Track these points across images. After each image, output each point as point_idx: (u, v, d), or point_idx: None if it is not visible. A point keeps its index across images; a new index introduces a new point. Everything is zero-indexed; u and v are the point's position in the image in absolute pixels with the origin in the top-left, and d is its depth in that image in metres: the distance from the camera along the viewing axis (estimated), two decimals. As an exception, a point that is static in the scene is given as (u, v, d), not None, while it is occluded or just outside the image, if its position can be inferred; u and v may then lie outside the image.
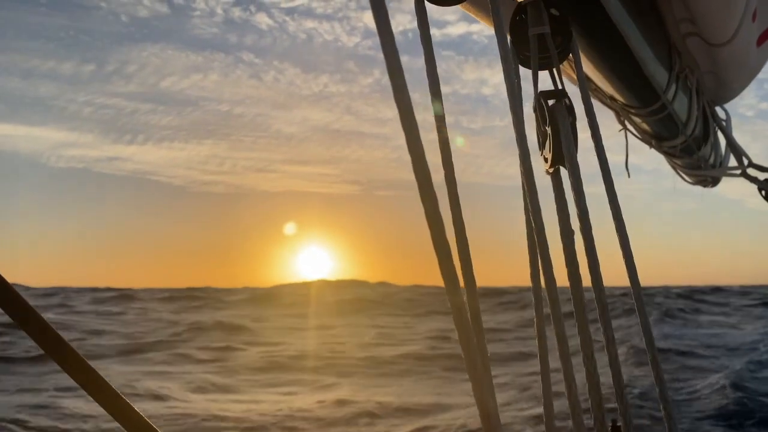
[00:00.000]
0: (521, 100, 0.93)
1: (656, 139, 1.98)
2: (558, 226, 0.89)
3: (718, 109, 2.25)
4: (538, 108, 0.94)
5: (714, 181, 2.36)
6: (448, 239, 0.54)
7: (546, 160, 0.93)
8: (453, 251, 0.57)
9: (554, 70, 0.98)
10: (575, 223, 0.88)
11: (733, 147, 2.18)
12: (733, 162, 2.24)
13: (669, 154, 2.12)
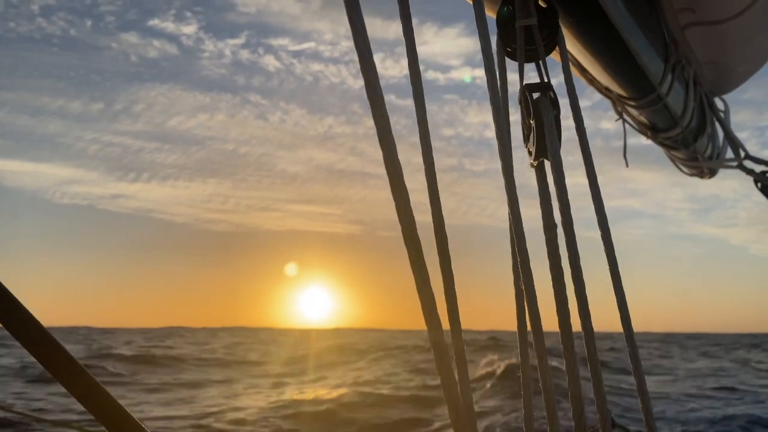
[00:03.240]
0: (506, 91, 0.93)
1: (652, 130, 1.97)
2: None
3: (717, 100, 2.23)
4: (523, 101, 0.94)
5: (711, 173, 2.35)
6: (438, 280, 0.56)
7: (530, 153, 0.93)
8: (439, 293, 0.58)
9: (540, 63, 0.98)
10: (558, 217, 0.88)
11: (731, 139, 2.17)
12: (730, 154, 2.23)
13: (666, 146, 2.11)
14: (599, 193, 0.87)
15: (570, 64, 1.32)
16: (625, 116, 2.05)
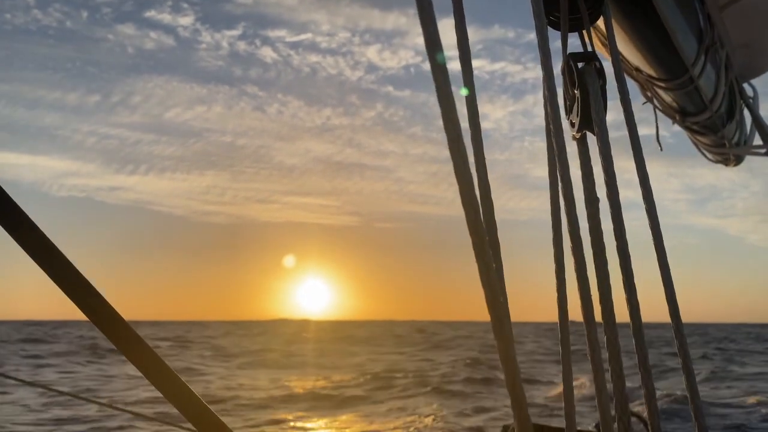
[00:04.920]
0: (550, 61, 0.90)
1: (681, 113, 1.93)
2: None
3: (745, 86, 2.19)
4: (567, 70, 0.91)
5: (737, 160, 2.31)
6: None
7: (573, 124, 0.90)
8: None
9: (584, 32, 0.95)
10: (599, 191, 0.85)
11: (760, 125, 2.13)
12: (758, 140, 2.19)
13: (692, 131, 2.07)
14: (644, 165, 0.84)
15: (601, 42, 1.28)
16: (654, 99, 2.02)
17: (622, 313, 0.84)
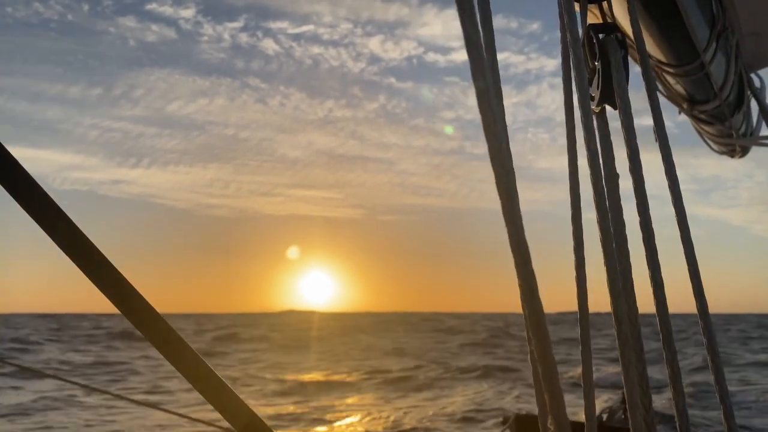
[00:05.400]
0: (577, 35, 0.87)
1: (689, 101, 1.91)
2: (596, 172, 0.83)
3: (753, 77, 2.17)
4: (587, 42, 0.88)
5: (743, 151, 2.28)
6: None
7: (592, 98, 0.87)
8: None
9: (604, 4, 0.92)
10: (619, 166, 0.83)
11: (767, 115, 2.10)
12: (765, 131, 2.17)
13: (700, 120, 2.05)
14: (667, 140, 0.82)
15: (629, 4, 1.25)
16: (660, 88, 1.99)
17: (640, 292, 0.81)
